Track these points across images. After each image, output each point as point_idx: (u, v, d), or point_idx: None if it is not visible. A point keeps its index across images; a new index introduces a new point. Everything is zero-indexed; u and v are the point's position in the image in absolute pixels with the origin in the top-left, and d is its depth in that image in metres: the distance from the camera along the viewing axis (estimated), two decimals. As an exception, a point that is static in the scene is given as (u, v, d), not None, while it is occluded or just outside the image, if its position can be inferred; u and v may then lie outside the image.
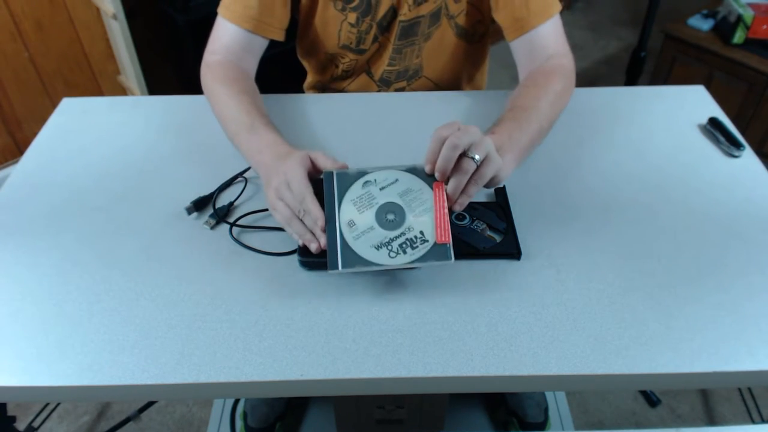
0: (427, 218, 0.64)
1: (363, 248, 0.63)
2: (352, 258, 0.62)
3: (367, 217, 0.64)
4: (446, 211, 0.64)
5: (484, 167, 0.64)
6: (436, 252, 0.63)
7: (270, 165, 0.71)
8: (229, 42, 0.86)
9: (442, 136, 0.63)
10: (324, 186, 0.66)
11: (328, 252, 0.63)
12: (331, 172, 0.67)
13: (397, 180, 0.66)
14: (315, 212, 0.63)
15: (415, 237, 0.63)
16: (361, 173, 0.67)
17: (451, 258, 0.63)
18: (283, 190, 0.66)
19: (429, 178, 0.66)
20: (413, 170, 0.67)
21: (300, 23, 0.98)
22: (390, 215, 0.65)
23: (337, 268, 0.62)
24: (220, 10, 0.86)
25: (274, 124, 0.78)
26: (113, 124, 0.92)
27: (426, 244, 0.63)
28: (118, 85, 2.00)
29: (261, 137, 0.74)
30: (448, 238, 0.63)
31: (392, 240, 0.63)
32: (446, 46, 0.99)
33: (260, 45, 0.89)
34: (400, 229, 0.64)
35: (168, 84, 1.96)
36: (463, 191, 0.64)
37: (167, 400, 1.43)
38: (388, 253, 0.62)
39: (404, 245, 0.63)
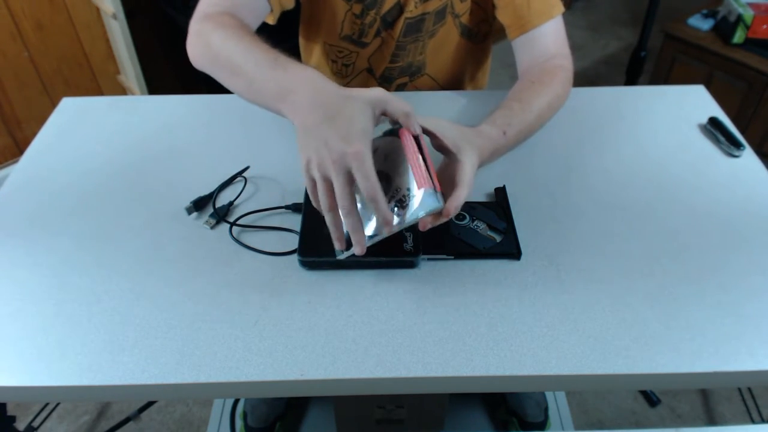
0: (409, 173, 0.61)
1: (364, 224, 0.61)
2: None
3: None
4: (419, 155, 0.60)
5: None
6: (424, 202, 0.59)
7: (317, 108, 0.57)
8: None
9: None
10: None
11: (336, 240, 0.61)
12: None
13: (377, 149, 0.63)
14: (386, 214, 0.57)
15: (404, 196, 0.61)
16: None
17: (440, 203, 0.59)
18: (338, 170, 0.54)
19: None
20: (389, 132, 0.64)
21: (303, 12, 0.98)
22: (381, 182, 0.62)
23: (344, 255, 0.61)
24: None
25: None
26: (113, 124, 0.92)
27: (414, 198, 0.60)
28: (118, 85, 2.00)
29: (290, 73, 0.60)
30: (429, 183, 0.59)
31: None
32: (450, 44, 0.99)
33: (261, 9, 0.78)
34: (388, 194, 0.62)
35: (168, 84, 1.96)
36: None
37: (167, 400, 1.44)
38: None
39: (396, 207, 0.61)
